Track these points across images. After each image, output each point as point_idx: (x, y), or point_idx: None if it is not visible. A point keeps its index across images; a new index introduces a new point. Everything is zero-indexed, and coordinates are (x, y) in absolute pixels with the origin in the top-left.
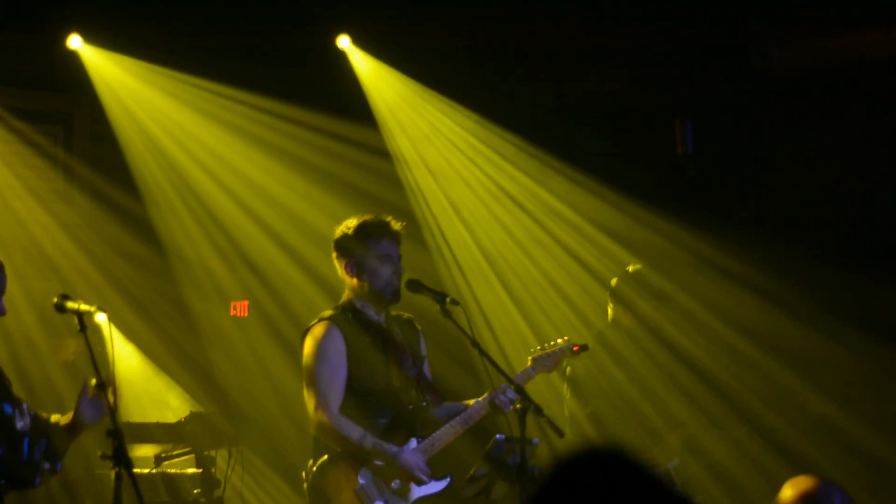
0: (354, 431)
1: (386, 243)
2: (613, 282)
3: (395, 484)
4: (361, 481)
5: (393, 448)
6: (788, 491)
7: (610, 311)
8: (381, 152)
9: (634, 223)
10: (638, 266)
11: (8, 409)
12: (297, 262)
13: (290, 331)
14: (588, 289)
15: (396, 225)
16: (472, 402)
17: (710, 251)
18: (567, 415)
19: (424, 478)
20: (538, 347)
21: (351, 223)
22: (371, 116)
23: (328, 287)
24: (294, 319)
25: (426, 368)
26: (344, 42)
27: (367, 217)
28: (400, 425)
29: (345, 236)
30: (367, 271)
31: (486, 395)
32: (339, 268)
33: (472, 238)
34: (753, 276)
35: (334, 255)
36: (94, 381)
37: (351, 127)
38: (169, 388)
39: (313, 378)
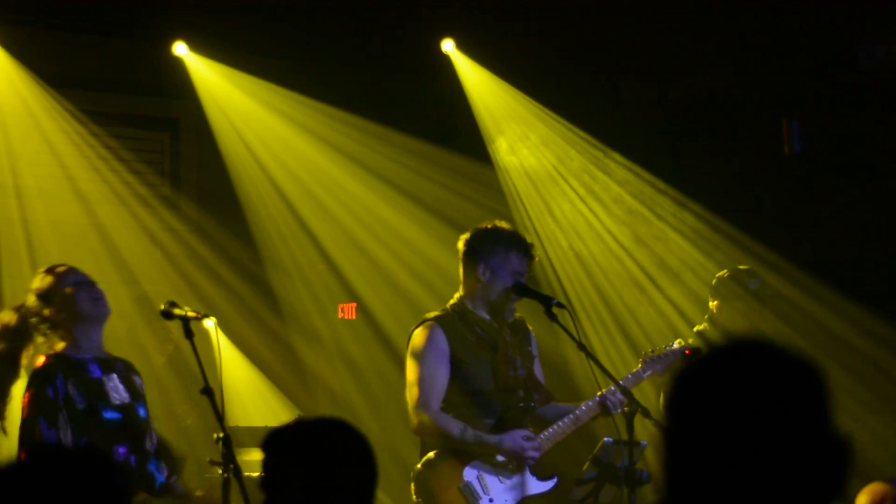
0: (455, 427)
1: (524, 262)
2: (714, 280)
3: (504, 477)
4: (467, 478)
5: (494, 437)
6: (863, 498)
7: (710, 308)
8: (482, 159)
9: (741, 227)
10: (744, 266)
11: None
12: (405, 267)
13: (397, 333)
14: (691, 292)
15: (516, 231)
16: (580, 403)
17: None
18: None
19: (534, 454)
20: (649, 350)
21: (475, 229)
22: (468, 124)
23: (438, 293)
24: (401, 323)
25: (536, 368)
26: (448, 46)
27: (490, 223)
28: (507, 424)
29: (469, 241)
30: (497, 281)
31: (597, 395)
32: (463, 266)
33: (567, 243)
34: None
35: (463, 255)
36: (198, 492)
37: (450, 134)
38: (275, 393)
39: (414, 377)
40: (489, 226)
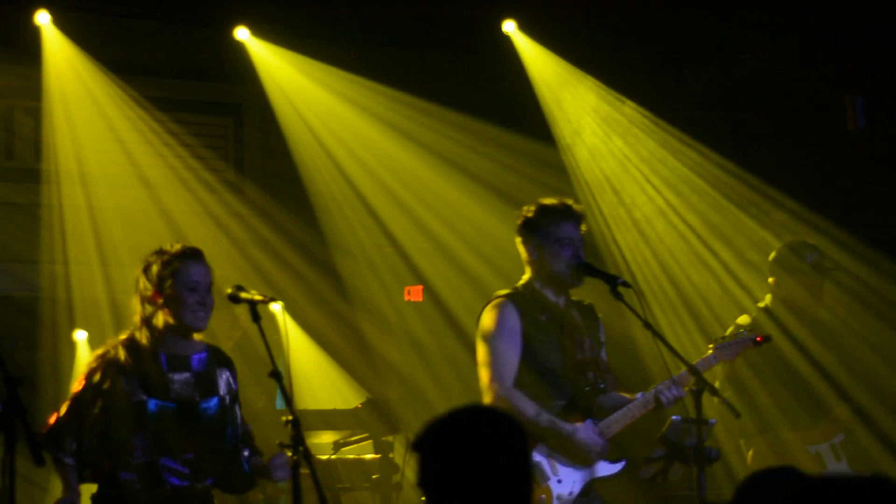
0: (529, 407)
1: (567, 226)
2: (773, 254)
3: (573, 458)
4: (536, 458)
5: (568, 426)
6: None
7: (770, 283)
8: (544, 139)
9: (804, 203)
10: (801, 240)
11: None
12: (471, 249)
13: (464, 315)
14: (755, 269)
15: (578, 208)
16: (635, 395)
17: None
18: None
19: (601, 449)
20: (720, 336)
21: (534, 206)
22: (531, 104)
23: (504, 274)
24: (468, 304)
25: (603, 354)
26: (509, 27)
27: (549, 200)
28: (577, 406)
29: (528, 219)
30: (547, 254)
31: (651, 389)
32: (521, 249)
33: (635, 226)
34: None
35: (517, 237)
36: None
37: (512, 115)
38: (342, 376)
39: (488, 353)
40: (535, 206)
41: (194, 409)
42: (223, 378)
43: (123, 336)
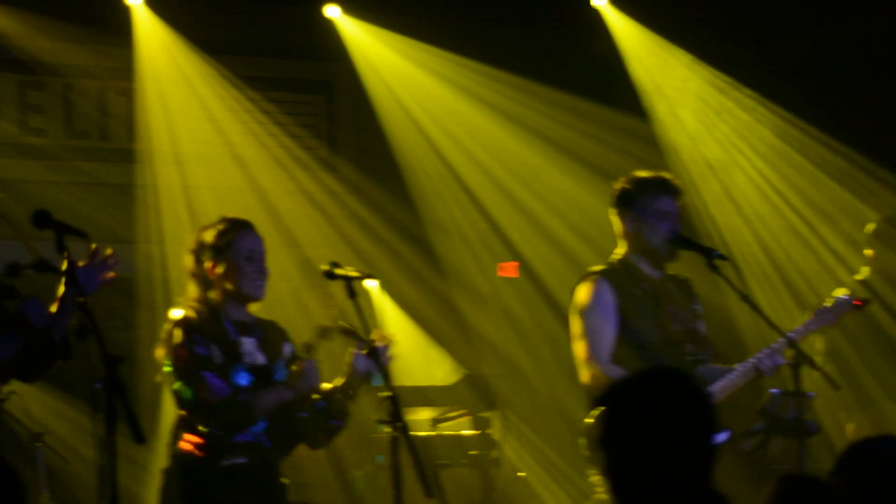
0: None
1: (665, 199)
2: (869, 226)
3: None
4: None
5: None
6: None
7: (867, 255)
8: (636, 113)
9: None
10: None
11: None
12: (565, 224)
13: (559, 289)
14: (850, 239)
15: (675, 181)
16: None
17: None
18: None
19: None
20: (817, 301)
21: (630, 178)
22: (622, 78)
23: (598, 248)
24: (562, 279)
25: (701, 326)
26: (599, 1)
27: (645, 172)
28: None
29: (624, 191)
30: (644, 227)
31: (750, 359)
32: (616, 222)
33: (729, 199)
34: None
35: (612, 210)
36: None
37: (603, 89)
38: (439, 352)
39: (582, 330)
40: (632, 178)
41: (268, 376)
42: (284, 347)
43: (184, 309)
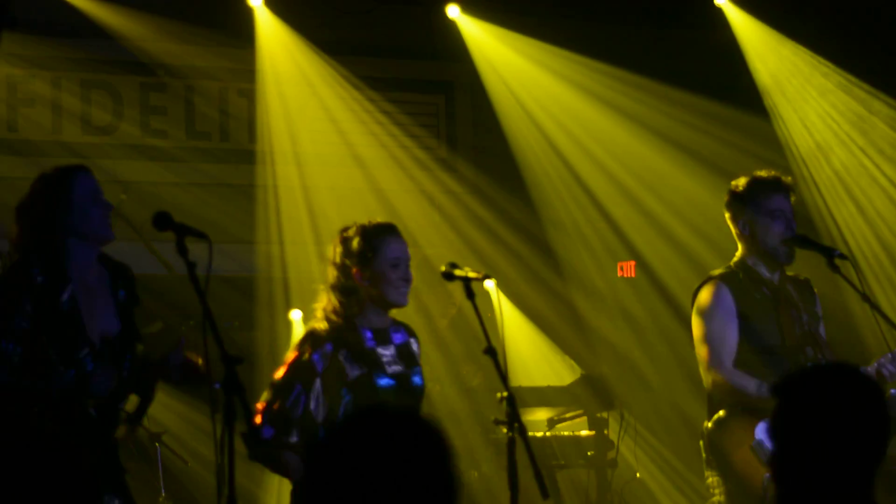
0: (750, 383)
1: (778, 199)
2: None
3: None
4: (758, 437)
5: None
6: None
7: None
8: (756, 110)
9: None
10: None
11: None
12: (684, 224)
13: (678, 290)
14: None
15: (787, 180)
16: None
17: None
18: None
19: None
20: None
21: (742, 180)
22: (744, 77)
23: (718, 248)
24: (682, 279)
25: (821, 329)
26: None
27: (758, 173)
28: None
29: (736, 193)
30: (759, 228)
31: (873, 363)
32: (731, 226)
33: (850, 197)
34: None
35: (727, 213)
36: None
37: (722, 87)
38: (557, 352)
39: (704, 335)
40: (743, 181)
41: (407, 382)
42: (416, 348)
43: (321, 314)
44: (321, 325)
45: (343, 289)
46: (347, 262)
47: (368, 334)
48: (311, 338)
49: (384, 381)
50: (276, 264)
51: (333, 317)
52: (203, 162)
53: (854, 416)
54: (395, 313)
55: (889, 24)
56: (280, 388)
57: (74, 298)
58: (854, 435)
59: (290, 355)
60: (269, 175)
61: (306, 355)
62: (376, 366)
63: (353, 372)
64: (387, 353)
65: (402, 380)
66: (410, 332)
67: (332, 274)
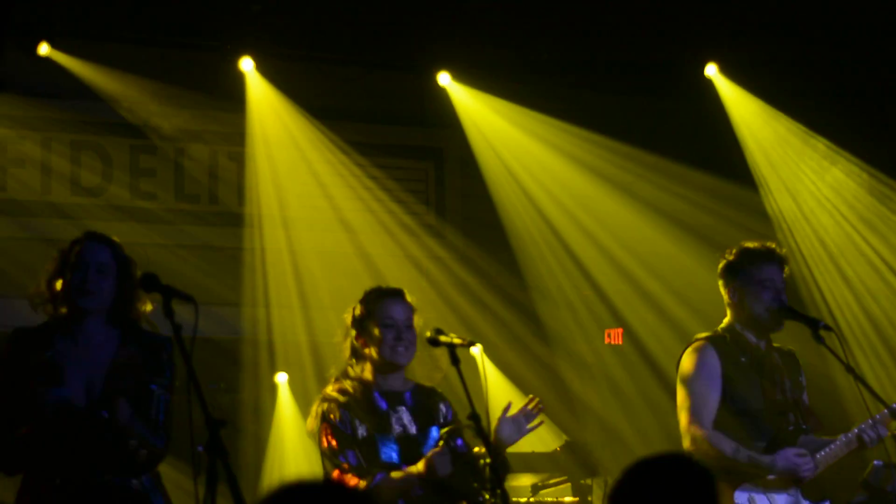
0: (728, 446)
1: (768, 269)
2: None
3: (775, 500)
4: (738, 501)
5: (767, 457)
6: None
7: None
8: (745, 182)
9: None
10: None
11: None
12: (671, 293)
13: (664, 358)
14: None
15: (780, 251)
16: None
17: None
18: None
19: (808, 471)
20: None
21: (736, 248)
22: (732, 148)
23: (704, 318)
24: (667, 347)
25: (804, 397)
26: (711, 70)
27: (751, 243)
28: (779, 447)
29: (729, 261)
30: (748, 296)
31: (854, 429)
32: (722, 292)
33: (836, 268)
34: None
35: (719, 279)
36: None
37: (711, 158)
38: (541, 418)
39: (687, 394)
40: (736, 249)
41: (415, 445)
42: (440, 409)
43: (335, 379)
44: (337, 394)
45: (353, 353)
46: (351, 328)
47: (380, 399)
48: (329, 402)
49: (390, 452)
50: (262, 327)
51: (346, 381)
52: (191, 224)
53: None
54: (416, 377)
55: (878, 97)
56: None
57: None
58: None
59: (320, 423)
60: (256, 238)
61: (332, 416)
62: (384, 430)
63: (362, 436)
64: (397, 415)
65: (411, 443)
66: (438, 396)
67: (345, 344)
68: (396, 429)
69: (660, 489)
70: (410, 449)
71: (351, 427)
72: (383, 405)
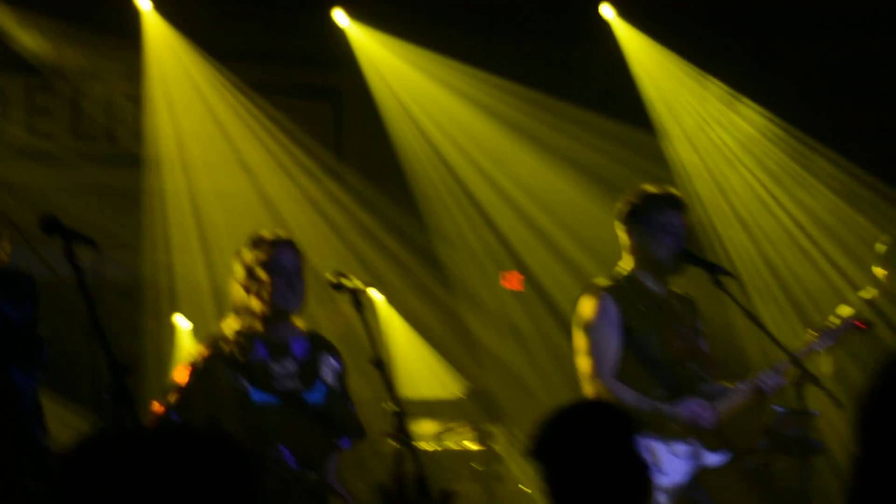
0: (630, 396)
1: (671, 213)
2: (881, 247)
3: (676, 449)
4: None
5: (670, 406)
6: None
7: (878, 276)
8: (643, 125)
9: None
10: None
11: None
12: (570, 235)
13: (564, 301)
14: (854, 255)
15: (682, 197)
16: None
17: None
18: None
19: (710, 421)
20: (820, 322)
21: (637, 192)
22: (628, 89)
23: (603, 261)
24: (566, 291)
25: (703, 344)
26: (607, 12)
27: (653, 187)
28: (679, 395)
29: (631, 205)
30: (650, 241)
31: (753, 378)
32: (622, 236)
33: (735, 215)
34: None
35: (619, 223)
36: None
37: (609, 101)
38: (442, 364)
39: (588, 345)
40: (638, 193)
41: (298, 400)
42: (328, 363)
43: (223, 325)
44: (217, 341)
45: (241, 305)
46: (240, 272)
47: (264, 348)
48: (206, 349)
49: (257, 396)
50: (163, 271)
51: (230, 333)
52: (89, 165)
53: (606, 448)
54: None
55: (773, 41)
56: (180, 391)
57: None
58: (612, 465)
59: (188, 361)
60: (155, 180)
61: (200, 365)
62: (262, 383)
63: (237, 387)
64: (280, 368)
65: (290, 398)
66: (326, 347)
67: (234, 288)
68: (277, 380)
69: (581, 436)
70: (294, 404)
71: (215, 379)
72: (265, 355)
